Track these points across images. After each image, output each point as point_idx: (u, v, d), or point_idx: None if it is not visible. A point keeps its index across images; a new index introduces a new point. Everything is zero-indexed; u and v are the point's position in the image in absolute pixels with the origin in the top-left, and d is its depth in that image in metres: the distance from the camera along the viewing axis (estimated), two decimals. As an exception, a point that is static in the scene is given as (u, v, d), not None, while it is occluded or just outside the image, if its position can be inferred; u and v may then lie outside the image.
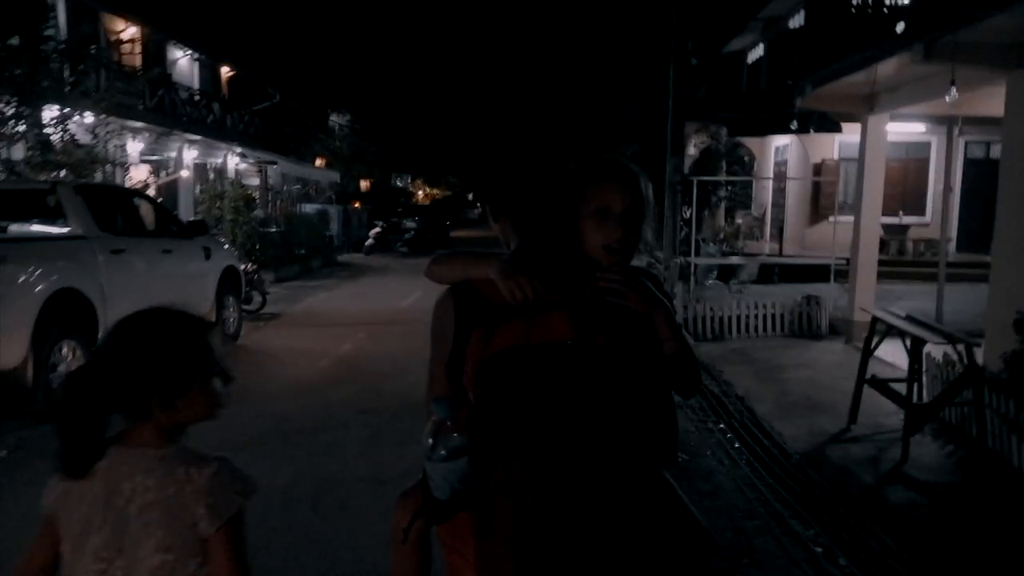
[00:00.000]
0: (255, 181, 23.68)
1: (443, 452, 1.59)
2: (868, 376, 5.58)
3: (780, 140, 18.30)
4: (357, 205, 30.88)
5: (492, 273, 1.64)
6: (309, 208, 23.40)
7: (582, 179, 1.71)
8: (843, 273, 10.26)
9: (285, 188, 25.41)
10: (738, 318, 9.27)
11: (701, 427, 5.93)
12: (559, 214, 1.71)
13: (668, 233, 9.95)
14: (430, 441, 1.61)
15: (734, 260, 11.01)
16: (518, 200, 1.84)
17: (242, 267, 11.82)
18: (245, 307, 11.66)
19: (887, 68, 6.59)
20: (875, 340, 5.58)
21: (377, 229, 25.97)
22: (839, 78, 7.21)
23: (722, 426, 5.93)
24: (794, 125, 11.46)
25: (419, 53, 43.55)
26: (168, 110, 16.72)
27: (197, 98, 19.78)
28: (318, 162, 28.80)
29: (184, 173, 15.93)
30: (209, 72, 21.43)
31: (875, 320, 5.52)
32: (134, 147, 16.11)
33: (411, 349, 8.97)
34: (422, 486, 1.75)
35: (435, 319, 1.81)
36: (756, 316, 9.29)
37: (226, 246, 9.55)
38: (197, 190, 18.35)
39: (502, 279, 1.62)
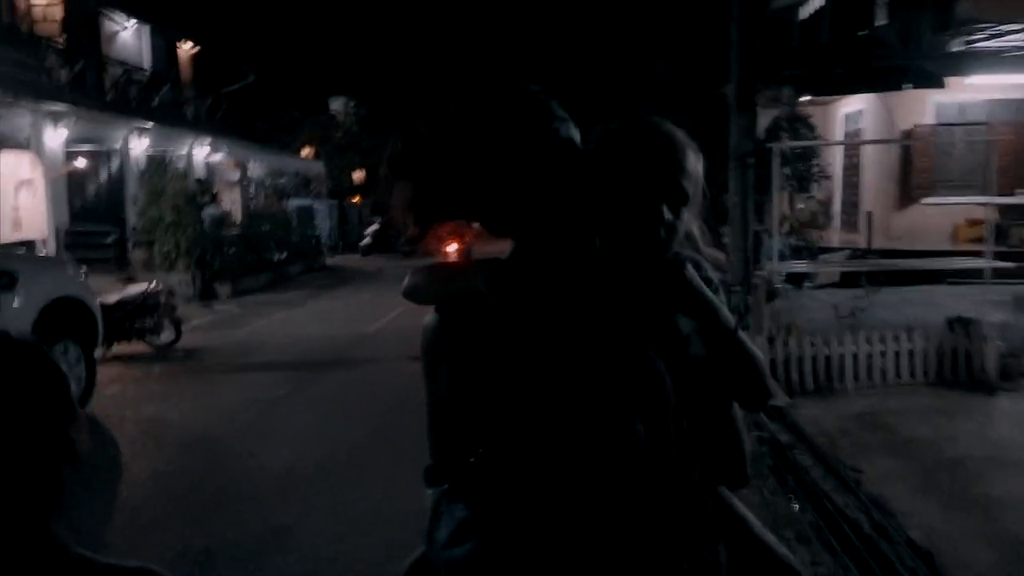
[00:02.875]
0: (236, 176, 20.78)
1: (446, 532, 1.23)
2: None
3: (850, 106, 14.93)
4: (357, 200, 27.77)
5: (481, 287, 1.23)
6: (293, 204, 20.44)
7: (608, 149, 1.29)
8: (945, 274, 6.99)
9: (269, 182, 22.41)
10: (854, 358, 5.96)
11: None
12: (563, 199, 1.22)
13: (737, 231, 6.55)
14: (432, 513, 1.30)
15: (849, 265, 7.64)
16: (474, 194, 1.21)
17: (148, 287, 8.86)
18: (154, 341, 8.77)
19: None
20: None
21: (375, 227, 22.89)
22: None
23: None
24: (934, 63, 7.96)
25: (417, 22, 39.26)
26: (91, 90, 13.68)
27: (146, 77, 16.69)
28: (304, 152, 25.66)
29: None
30: (163, 47, 18.30)
31: None
32: (55, 134, 13.19)
33: (341, 417, 5.78)
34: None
35: (423, 351, 1.31)
36: (884, 354, 5.96)
37: (72, 269, 6.44)
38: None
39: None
